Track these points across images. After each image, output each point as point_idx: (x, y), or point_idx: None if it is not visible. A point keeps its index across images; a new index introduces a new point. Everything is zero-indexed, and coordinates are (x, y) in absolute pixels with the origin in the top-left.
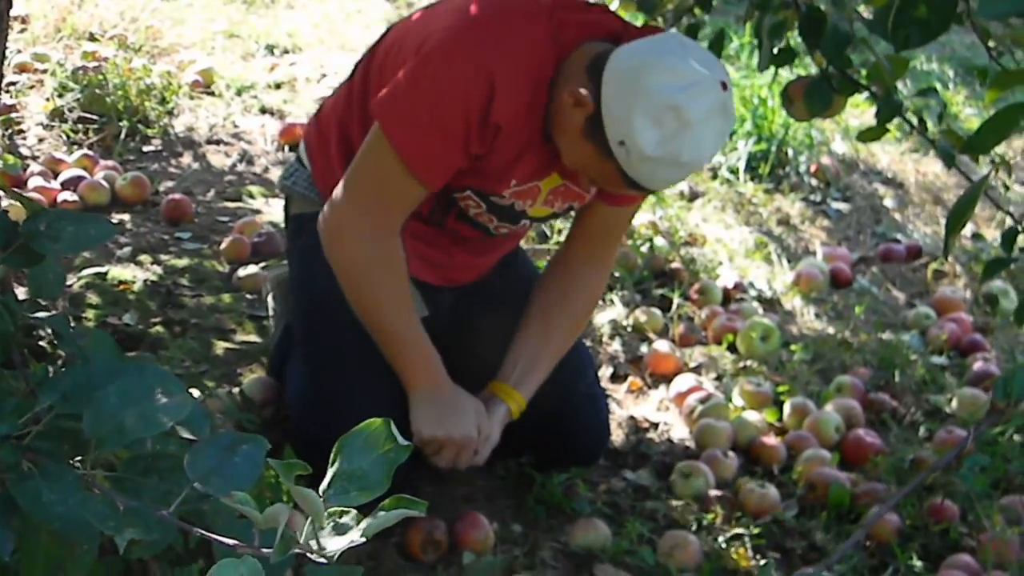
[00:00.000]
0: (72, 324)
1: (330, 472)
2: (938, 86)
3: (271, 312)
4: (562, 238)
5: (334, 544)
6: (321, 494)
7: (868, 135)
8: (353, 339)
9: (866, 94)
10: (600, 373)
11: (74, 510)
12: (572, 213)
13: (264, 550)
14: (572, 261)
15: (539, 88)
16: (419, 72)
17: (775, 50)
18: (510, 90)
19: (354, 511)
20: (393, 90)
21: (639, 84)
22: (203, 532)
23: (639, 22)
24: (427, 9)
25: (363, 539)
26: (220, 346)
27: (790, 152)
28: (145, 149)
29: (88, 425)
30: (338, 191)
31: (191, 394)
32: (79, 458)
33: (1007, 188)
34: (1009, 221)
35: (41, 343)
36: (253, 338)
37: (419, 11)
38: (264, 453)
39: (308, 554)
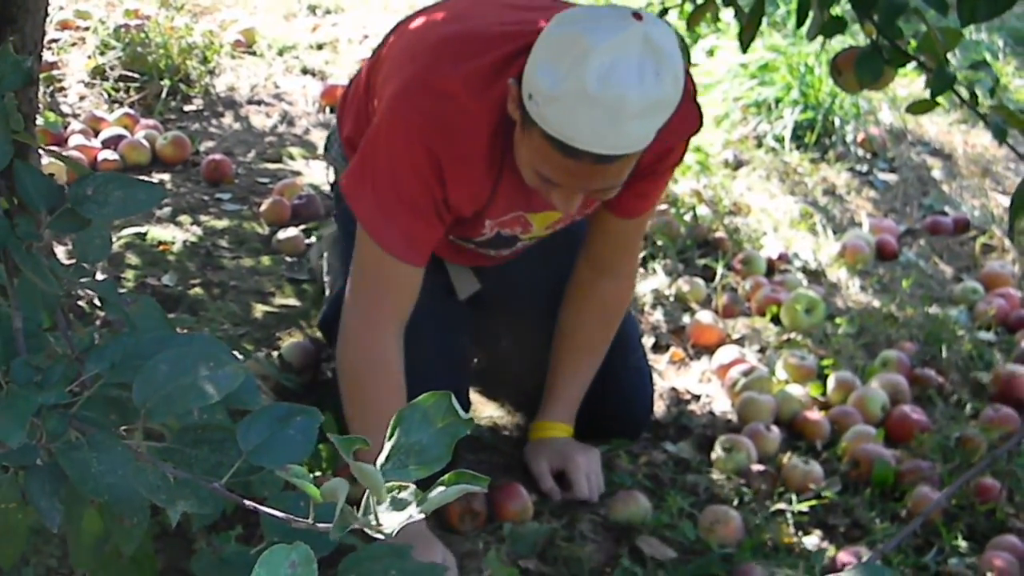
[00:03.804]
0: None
1: (388, 445)
2: (988, 57)
3: (326, 269)
4: None
5: (392, 520)
6: (379, 468)
7: (919, 108)
8: None
9: (916, 65)
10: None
11: (125, 481)
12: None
13: (319, 525)
14: (587, 280)
15: (495, 136)
16: (374, 148)
17: (825, 18)
18: (460, 165)
19: (413, 486)
20: (358, 169)
21: (544, 35)
22: (256, 506)
23: None
24: (412, 26)
25: (422, 515)
26: (259, 309)
27: (836, 121)
28: (186, 108)
29: (138, 395)
30: (347, 290)
31: (242, 364)
32: (126, 428)
33: None
34: None
35: (80, 303)
36: (292, 301)
37: (415, 15)
38: (318, 425)
39: (366, 530)
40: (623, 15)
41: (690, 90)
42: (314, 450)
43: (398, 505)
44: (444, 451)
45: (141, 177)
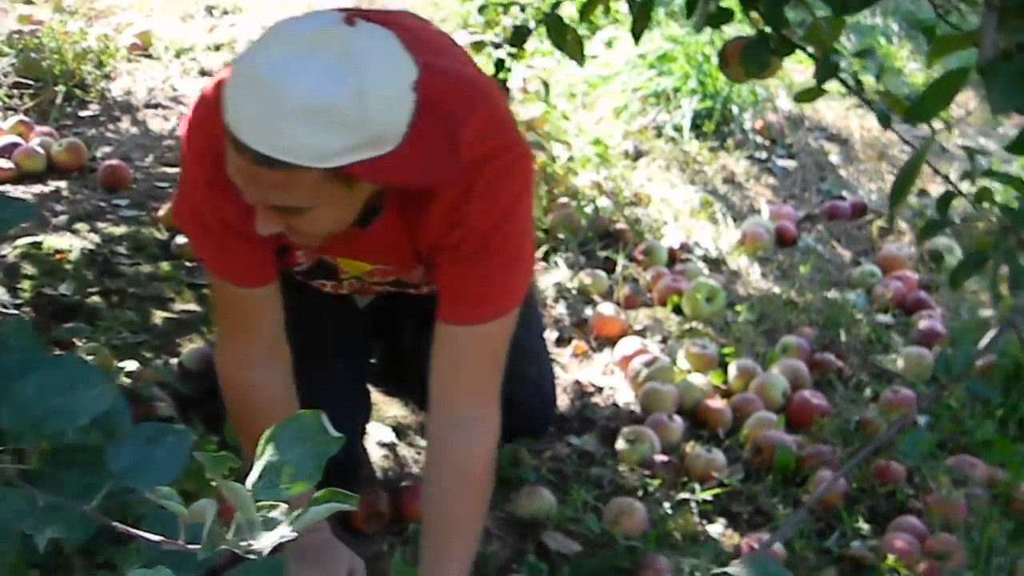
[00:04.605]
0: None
1: (259, 464)
2: (882, 40)
3: None
4: None
5: (263, 540)
6: (250, 487)
7: (806, 96)
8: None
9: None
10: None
11: None
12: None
13: (190, 546)
14: (437, 438)
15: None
16: (182, 169)
17: (712, 8)
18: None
19: (284, 505)
20: (178, 193)
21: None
22: (126, 529)
23: None
24: None
25: (294, 534)
26: (159, 315)
27: (735, 109)
28: (82, 114)
29: (5, 417)
30: None
31: (112, 386)
32: None
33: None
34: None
35: None
36: (192, 307)
37: None
38: (189, 445)
39: (237, 551)
40: (336, 16)
41: (502, 156)
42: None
43: (269, 524)
44: (315, 469)
45: (34, 186)
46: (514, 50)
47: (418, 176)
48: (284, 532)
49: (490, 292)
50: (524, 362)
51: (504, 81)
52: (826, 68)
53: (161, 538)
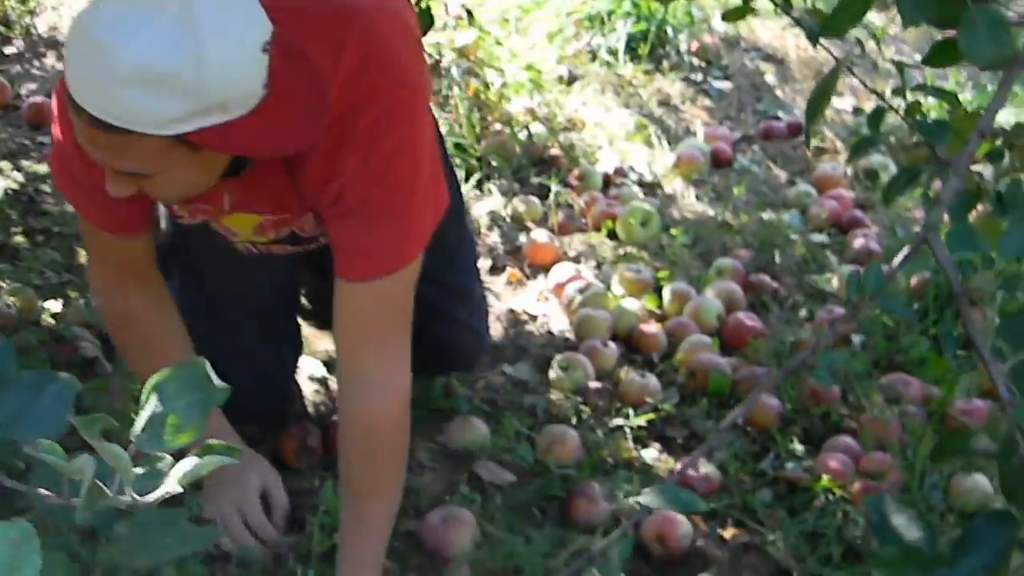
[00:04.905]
0: None
1: (142, 416)
2: None
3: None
4: None
5: (149, 496)
6: (133, 439)
7: (733, 15)
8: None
9: None
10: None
11: None
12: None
13: (74, 500)
14: (344, 398)
15: None
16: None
17: None
18: None
19: (169, 457)
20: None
21: None
22: (13, 483)
23: None
24: None
25: (180, 489)
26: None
27: (670, 31)
28: (6, 51)
29: None
30: None
31: None
32: None
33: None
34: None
35: None
36: None
37: None
38: (74, 394)
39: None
40: None
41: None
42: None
43: (154, 476)
44: (200, 420)
45: None
46: None
47: (273, 143)
48: (169, 488)
49: (379, 248)
50: (454, 302)
51: (428, 10)
52: None
53: (46, 492)
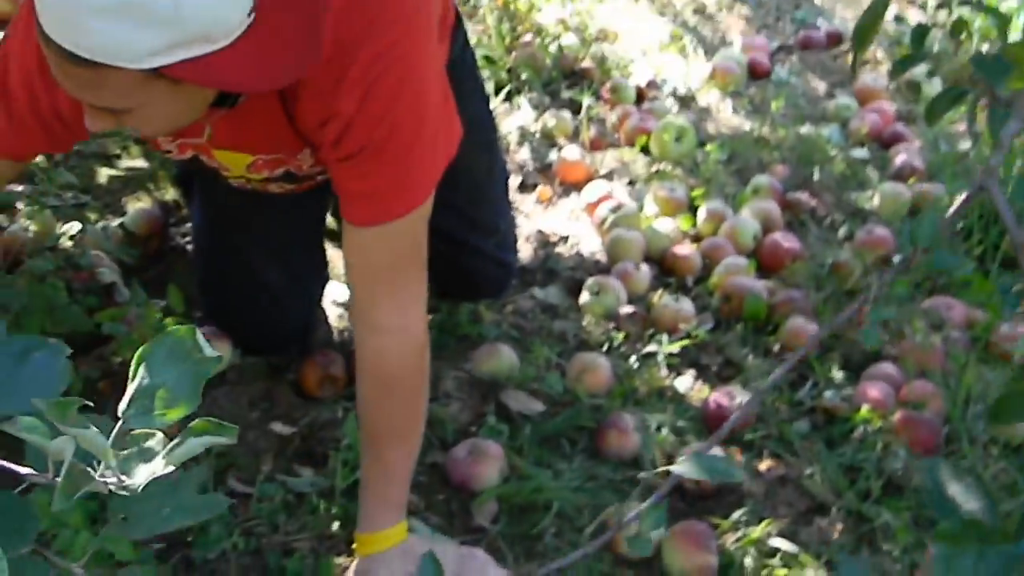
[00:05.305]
0: None
1: (130, 389)
2: None
3: None
4: None
5: (137, 476)
6: (121, 415)
7: None
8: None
9: None
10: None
11: None
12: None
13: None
14: (359, 339)
15: None
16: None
17: None
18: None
19: (159, 434)
20: None
21: None
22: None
23: None
24: None
25: (171, 468)
26: (103, 174)
27: None
28: None
29: None
30: None
31: None
32: None
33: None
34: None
35: None
36: (139, 163)
37: None
38: (65, 363)
39: (111, 489)
40: None
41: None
42: (159, 324)
43: (145, 456)
44: (192, 392)
45: None
46: None
47: (261, 77)
48: (157, 468)
49: (384, 192)
50: (481, 235)
51: None
52: None
53: (29, 471)
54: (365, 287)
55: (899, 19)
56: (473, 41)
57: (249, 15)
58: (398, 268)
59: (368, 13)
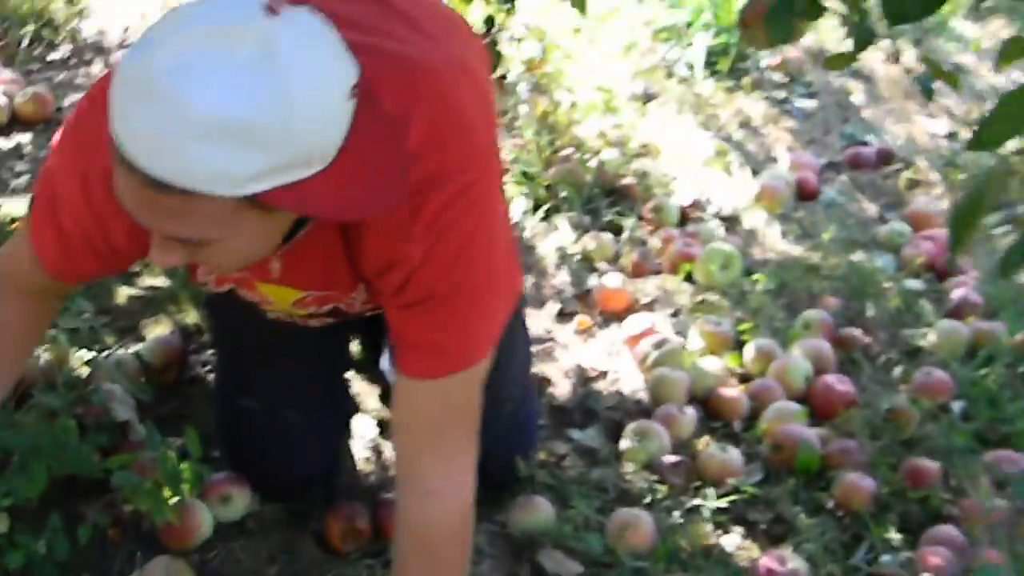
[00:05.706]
0: None
1: None
2: None
3: None
4: None
5: None
6: None
7: (838, 62)
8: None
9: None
10: (545, 311)
11: None
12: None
13: None
14: (399, 500)
15: None
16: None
17: None
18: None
19: None
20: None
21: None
22: None
23: None
24: None
25: None
26: (122, 293)
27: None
28: (50, 57)
29: None
30: None
31: None
32: None
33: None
34: None
35: None
36: (159, 282)
37: None
38: None
39: None
40: (251, 4)
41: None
42: (174, 471)
43: None
44: None
45: None
46: (508, 4)
47: (350, 204)
48: None
49: (446, 345)
50: (499, 399)
51: (495, 43)
52: (863, 35)
53: None
54: (412, 443)
55: (952, 136)
56: (511, 156)
57: (344, 138)
58: (449, 425)
59: (444, 155)
